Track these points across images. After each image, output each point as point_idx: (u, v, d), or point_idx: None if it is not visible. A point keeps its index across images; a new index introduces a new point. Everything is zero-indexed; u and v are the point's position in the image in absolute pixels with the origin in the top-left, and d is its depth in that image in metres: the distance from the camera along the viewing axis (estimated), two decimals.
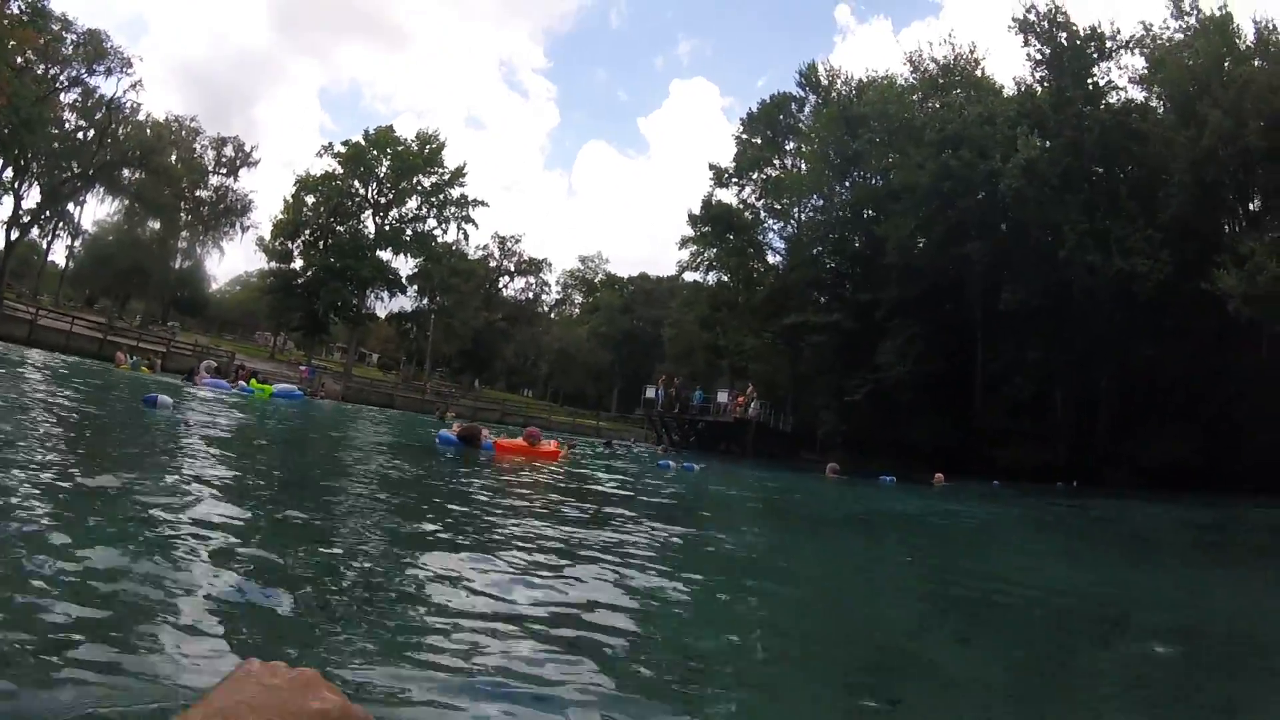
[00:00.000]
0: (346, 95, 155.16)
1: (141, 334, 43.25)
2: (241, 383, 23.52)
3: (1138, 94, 34.64)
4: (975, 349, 36.25)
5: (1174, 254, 30.19)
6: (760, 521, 9.51)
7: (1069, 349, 32.95)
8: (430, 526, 4.98)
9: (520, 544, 4.60)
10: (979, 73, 40.85)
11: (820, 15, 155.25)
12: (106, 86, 53.52)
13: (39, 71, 48.55)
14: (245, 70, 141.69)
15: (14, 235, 52.55)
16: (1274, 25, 30.18)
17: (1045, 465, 30.98)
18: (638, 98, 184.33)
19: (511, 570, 3.74)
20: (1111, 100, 34.56)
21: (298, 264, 58.13)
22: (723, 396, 39.03)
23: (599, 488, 10.17)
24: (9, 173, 49.16)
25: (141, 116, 57.26)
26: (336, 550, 3.89)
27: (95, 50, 50.97)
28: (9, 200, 50.97)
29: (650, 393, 41.55)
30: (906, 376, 35.52)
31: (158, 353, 34.71)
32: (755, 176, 51.68)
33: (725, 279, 54.46)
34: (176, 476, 5.16)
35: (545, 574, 3.76)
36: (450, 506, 6.06)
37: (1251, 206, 30.82)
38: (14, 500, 3.52)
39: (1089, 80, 34.41)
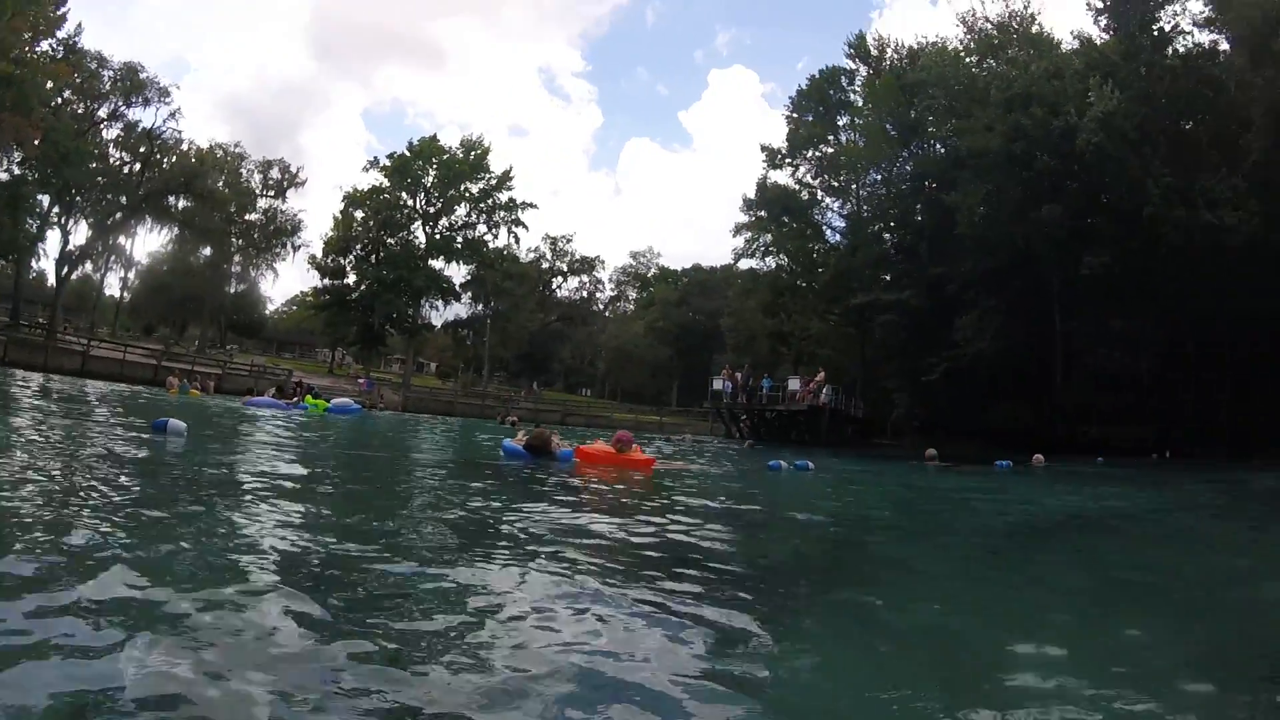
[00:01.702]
0: (390, 116, 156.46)
1: (196, 358, 43.56)
2: (296, 399, 23.04)
3: (1204, 38, 32.22)
4: (1054, 320, 34.12)
5: (1262, 203, 28.05)
6: (999, 538, 7.54)
7: (1154, 314, 30.82)
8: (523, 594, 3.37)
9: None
10: (1035, 29, 38.47)
11: None
12: (146, 117, 54.08)
13: (79, 110, 49.20)
14: (288, 100, 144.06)
15: (64, 270, 53.27)
16: None
17: (1135, 440, 29.01)
18: (677, 92, 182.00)
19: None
20: (1180, 46, 32.22)
21: (351, 279, 57.98)
22: (794, 384, 37.50)
23: (732, 507, 8.20)
24: (54, 209, 49.74)
25: (184, 146, 57.69)
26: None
27: (132, 83, 51.36)
28: (57, 236, 51.64)
29: (717, 384, 40.24)
30: (985, 353, 33.62)
31: (212, 375, 34.69)
32: (810, 155, 49.84)
33: (784, 262, 52.99)
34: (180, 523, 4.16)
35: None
36: (540, 546, 4.54)
37: None
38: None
39: (1154, 26, 31.99)
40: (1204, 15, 31.70)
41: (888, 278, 43.38)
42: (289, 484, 6.32)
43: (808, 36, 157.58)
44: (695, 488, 9.89)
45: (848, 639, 3.25)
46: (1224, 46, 31.70)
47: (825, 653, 3.02)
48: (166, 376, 29.64)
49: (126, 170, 55.67)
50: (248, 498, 5.28)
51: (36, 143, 37.05)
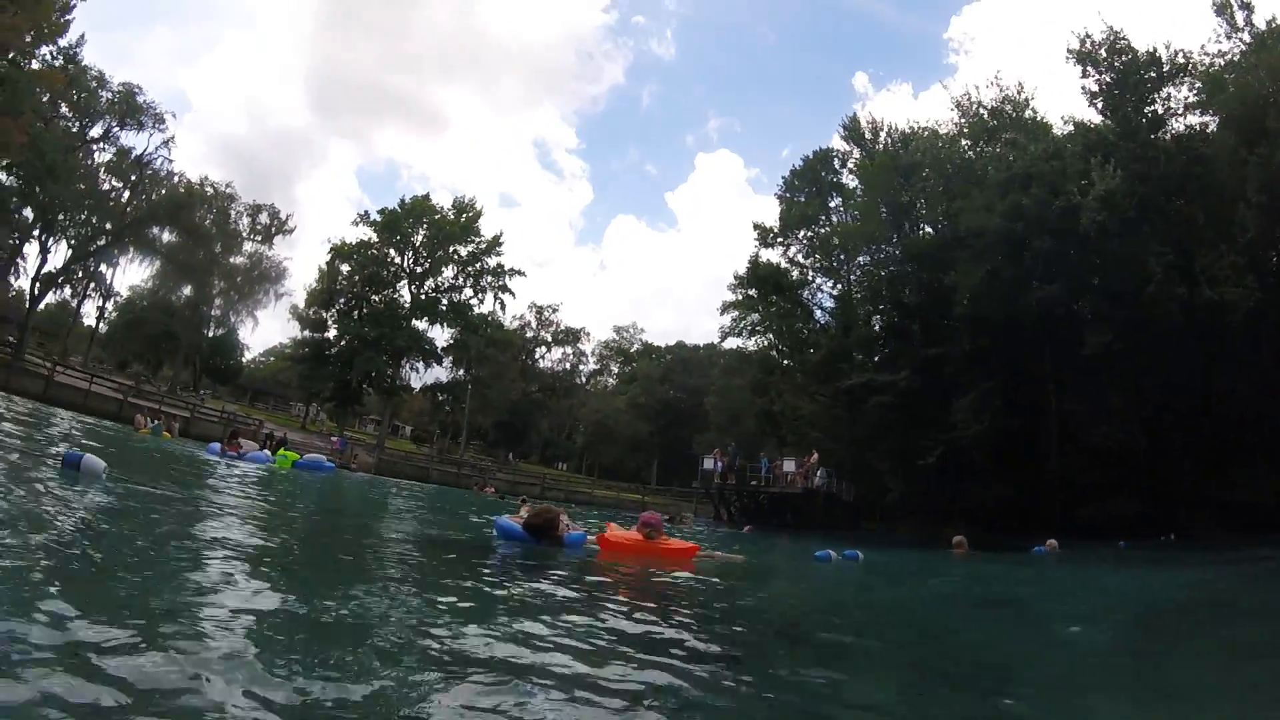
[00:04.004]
0: (384, 175, 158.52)
1: (165, 398, 41.90)
2: (267, 451, 21.60)
3: (1195, 119, 32.81)
4: (1051, 400, 33.57)
5: (1260, 279, 28.22)
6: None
7: (1150, 391, 30.36)
8: None
9: None
10: (1028, 113, 39.13)
11: (839, 84, 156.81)
12: (139, 142, 53.53)
13: (72, 129, 48.60)
14: (284, 149, 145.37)
15: (40, 291, 51.72)
16: None
17: (1135, 517, 28.09)
18: (666, 172, 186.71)
19: None
20: (1174, 126, 32.82)
21: (331, 333, 56.92)
22: (789, 465, 36.45)
23: (830, 620, 6.79)
24: (36, 226, 48.51)
25: (175, 178, 56.89)
26: None
27: (129, 105, 50.72)
28: (35, 254, 50.19)
29: (708, 463, 39.13)
30: (981, 435, 32.83)
31: (178, 417, 33.15)
32: (802, 234, 49.95)
33: (772, 341, 52.70)
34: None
35: None
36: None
37: None
38: None
39: (1148, 108, 32.54)
40: (1195, 99, 32.22)
41: (876, 359, 42.95)
42: (230, 553, 4.85)
43: (793, 126, 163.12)
44: (763, 592, 8.44)
45: None
46: (1213, 128, 32.21)
47: None
48: (134, 414, 28.22)
49: (114, 195, 54.56)
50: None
51: (20, 144, 35.73)
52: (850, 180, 48.75)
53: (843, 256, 47.65)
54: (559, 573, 6.69)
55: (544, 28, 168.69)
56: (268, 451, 21.54)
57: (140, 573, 3.91)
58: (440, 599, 4.58)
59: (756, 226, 51.01)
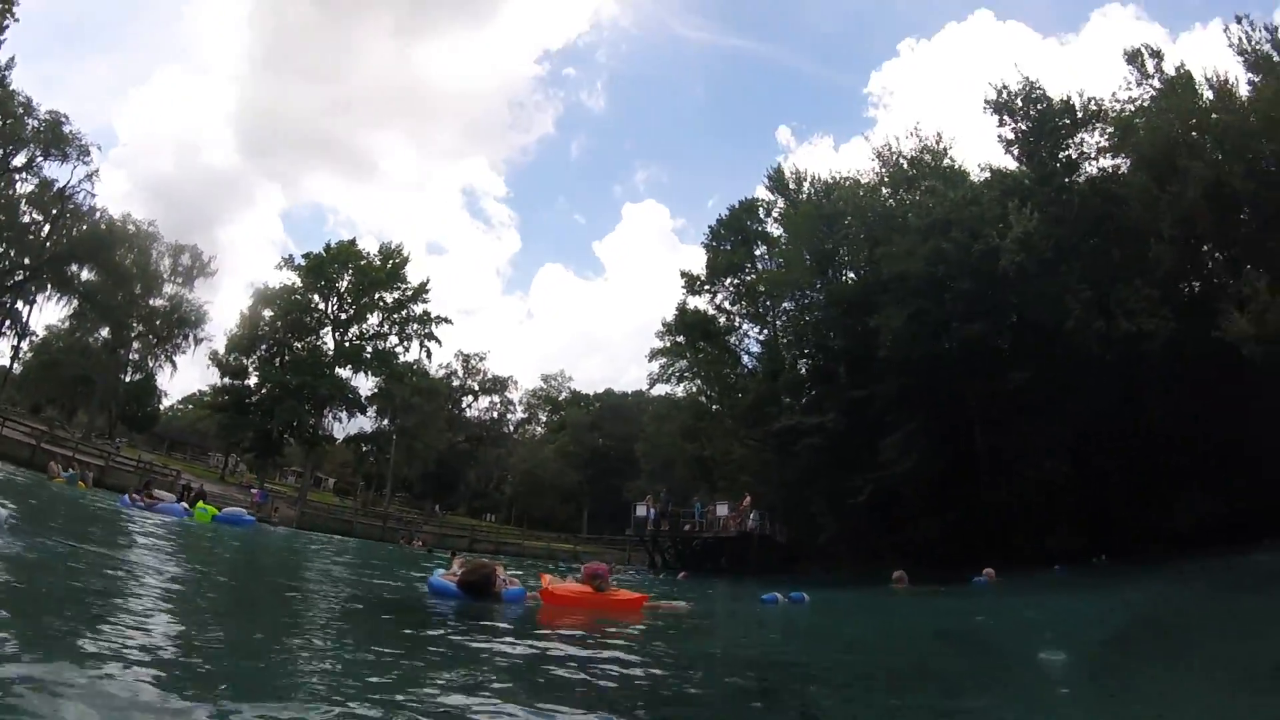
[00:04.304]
0: (309, 220, 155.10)
1: (80, 445, 39.55)
2: (184, 504, 20.54)
3: (1108, 161, 34.53)
4: (981, 435, 34.49)
5: (1174, 310, 29.58)
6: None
7: (1071, 423, 31.48)
8: None
9: None
10: (946, 161, 40.86)
11: (763, 136, 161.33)
12: (62, 174, 51.21)
13: None
14: (209, 190, 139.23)
15: None
16: (1231, 79, 30.71)
17: (1072, 545, 28.88)
18: (594, 221, 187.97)
19: None
20: (1088, 169, 34.53)
21: (252, 380, 54.79)
22: (722, 509, 36.46)
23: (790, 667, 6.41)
24: None
25: (96, 215, 54.56)
26: None
27: (54, 134, 48.71)
28: None
29: (640, 510, 38.86)
30: (910, 471, 33.44)
31: (93, 466, 31.38)
32: (728, 282, 50.94)
33: (701, 387, 53.21)
34: None
35: None
36: None
37: (1240, 252, 30.28)
38: None
39: (1062, 154, 34.34)
40: (1107, 143, 34.00)
41: (802, 401, 43.63)
42: (134, 616, 4.41)
43: (718, 177, 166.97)
44: (719, 640, 8.24)
45: None
46: (1124, 169, 33.73)
47: None
48: (48, 461, 26.73)
49: (34, 229, 51.94)
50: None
51: None
52: (775, 229, 50.06)
53: (768, 303, 48.65)
54: (502, 632, 6.23)
55: (477, 77, 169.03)
56: (185, 504, 20.46)
57: (35, 634, 3.43)
58: (369, 666, 4.15)
59: (684, 274, 51.92)
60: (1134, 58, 33.24)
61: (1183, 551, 23.06)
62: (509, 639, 5.72)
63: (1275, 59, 29.77)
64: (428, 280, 57.75)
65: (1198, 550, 22.70)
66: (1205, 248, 31.83)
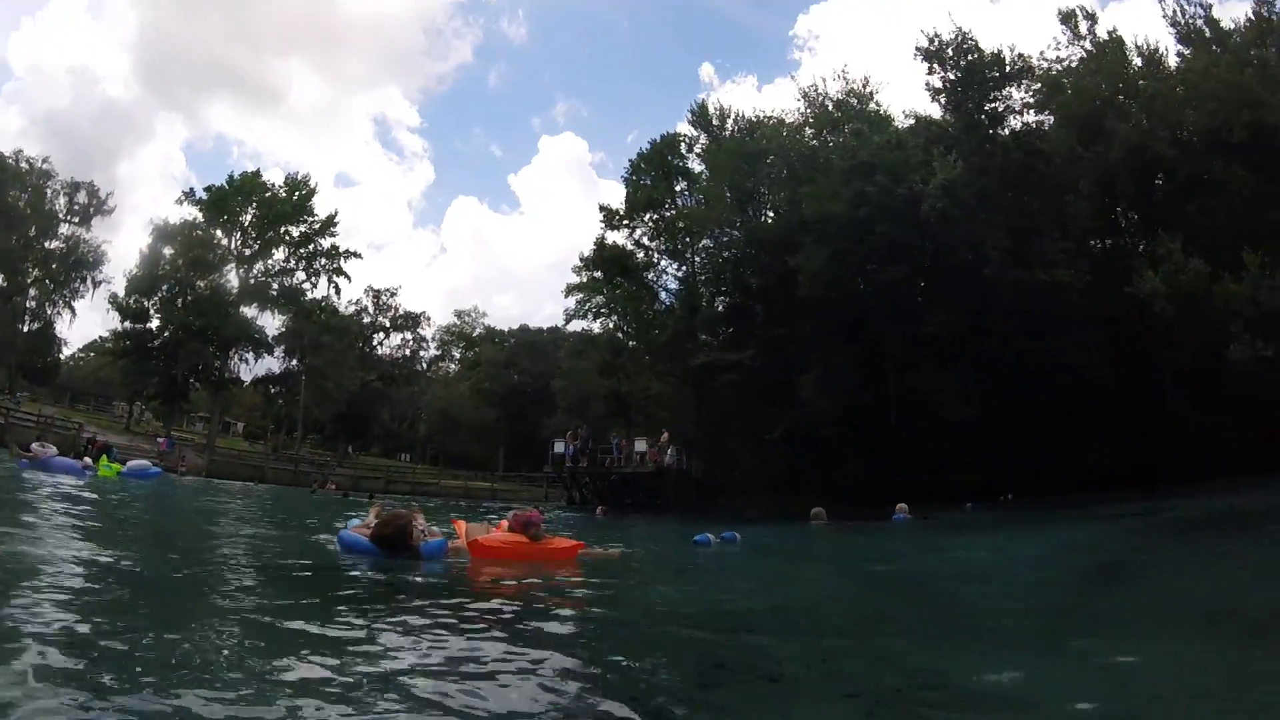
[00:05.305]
0: (213, 153, 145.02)
1: None
2: (88, 460, 19.27)
3: (1032, 117, 35.29)
4: (896, 376, 35.37)
5: (1093, 264, 30.86)
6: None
7: (985, 367, 32.54)
8: None
9: None
10: (872, 106, 40.95)
11: (687, 73, 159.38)
12: None
13: None
14: (108, 124, 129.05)
15: None
16: (1161, 49, 31.96)
17: (982, 485, 30.12)
18: (510, 154, 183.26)
19: None
20: (1013, 124, 35.13)
21: (154, 323, 51.83)
22: (640, 445, 36.58)
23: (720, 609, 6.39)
24: None
25: None
26: None
27: None
28: None
29: (559, 447, 38.69)
30: (827, 411, 34.09)
31: None
32: (648, 218, 50.21)
33: (618, 323, 52.82)
34: None
35: None
36: None
37: (1155, 214, 31.56)
38: None
39: (989, 105, 34.70)
40: (1034, 99, 34.62)
41: (720, 338, 43.86)
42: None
43: (640, 112, 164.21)
44: (662, 587, 7.87)
45: None
46: (1048, 126, 34.74)
47: None
48: None
49: None
50: None
51: None
52: (697, 165, 49.34)
53: (688, 239, 48.25)
54: (425, 592, 5.68)
55: (391, 2, 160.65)
56: (88, 459, 19.18)
57: None
58: (275, 639, 3.74)
59: (603, 209, 50.98)
60: (1068, 18, 33.99)
61: (1091, 495, 24.01)
62: (434, 607, 5.14)
63: (1207, 34, 30.71)
64: (336, 213, 55.37)
65: (1106, 495, 23.69)
66: (1119, 208, 33.17)
